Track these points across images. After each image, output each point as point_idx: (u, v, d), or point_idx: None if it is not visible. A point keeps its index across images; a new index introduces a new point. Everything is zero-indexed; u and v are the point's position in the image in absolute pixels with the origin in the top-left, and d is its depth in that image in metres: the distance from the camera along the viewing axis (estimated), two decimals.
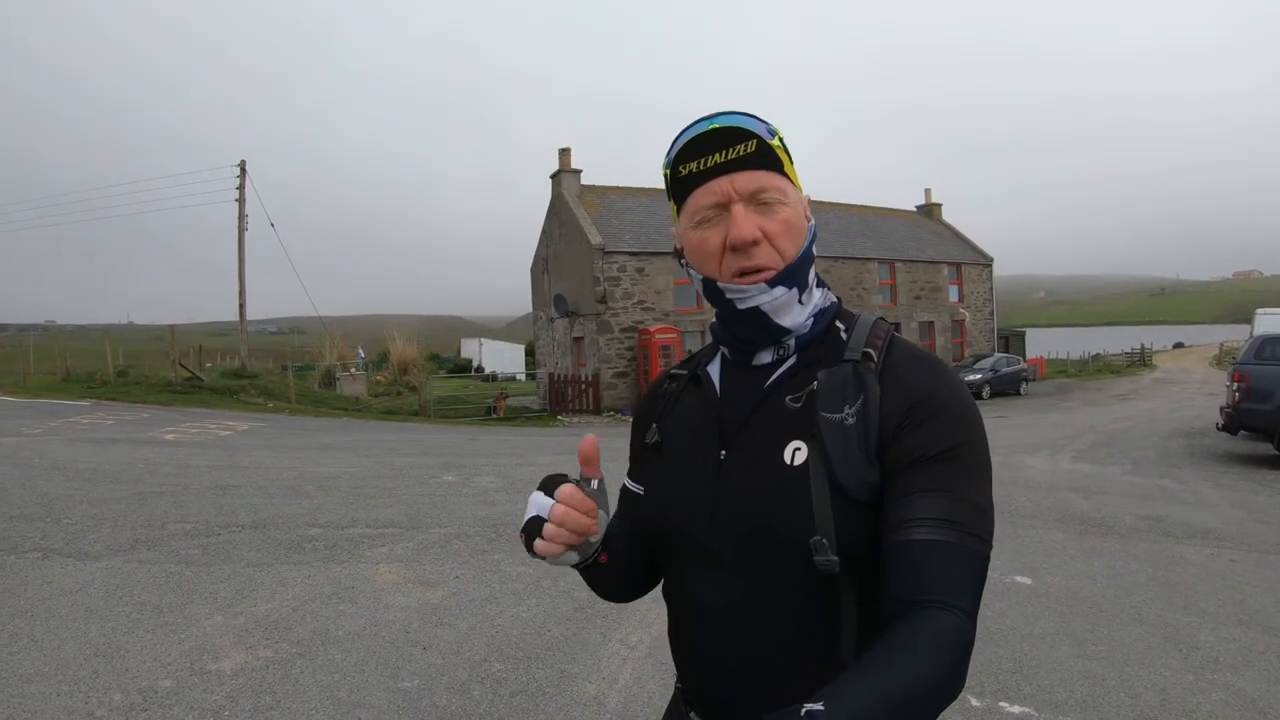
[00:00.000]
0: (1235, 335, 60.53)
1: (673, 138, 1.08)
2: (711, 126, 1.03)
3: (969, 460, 0.95)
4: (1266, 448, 11.75)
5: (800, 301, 1.06)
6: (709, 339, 1.23)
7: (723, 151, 1.02)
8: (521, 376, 42.18)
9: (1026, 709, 3.49)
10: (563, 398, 21.87)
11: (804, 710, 0.74)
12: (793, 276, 1.04)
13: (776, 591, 0.99)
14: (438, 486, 8.79)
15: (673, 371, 1.28)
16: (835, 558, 0.92)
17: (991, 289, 32.82)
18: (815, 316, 1.09)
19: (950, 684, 0.82)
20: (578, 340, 23.93)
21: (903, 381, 0.99)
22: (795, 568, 0.96)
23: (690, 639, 1.09)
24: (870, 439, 0.96)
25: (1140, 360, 46.53)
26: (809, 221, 1.09)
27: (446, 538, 6.38)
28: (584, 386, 21.91)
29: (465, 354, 59.75)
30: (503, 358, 53.45)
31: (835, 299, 1.15)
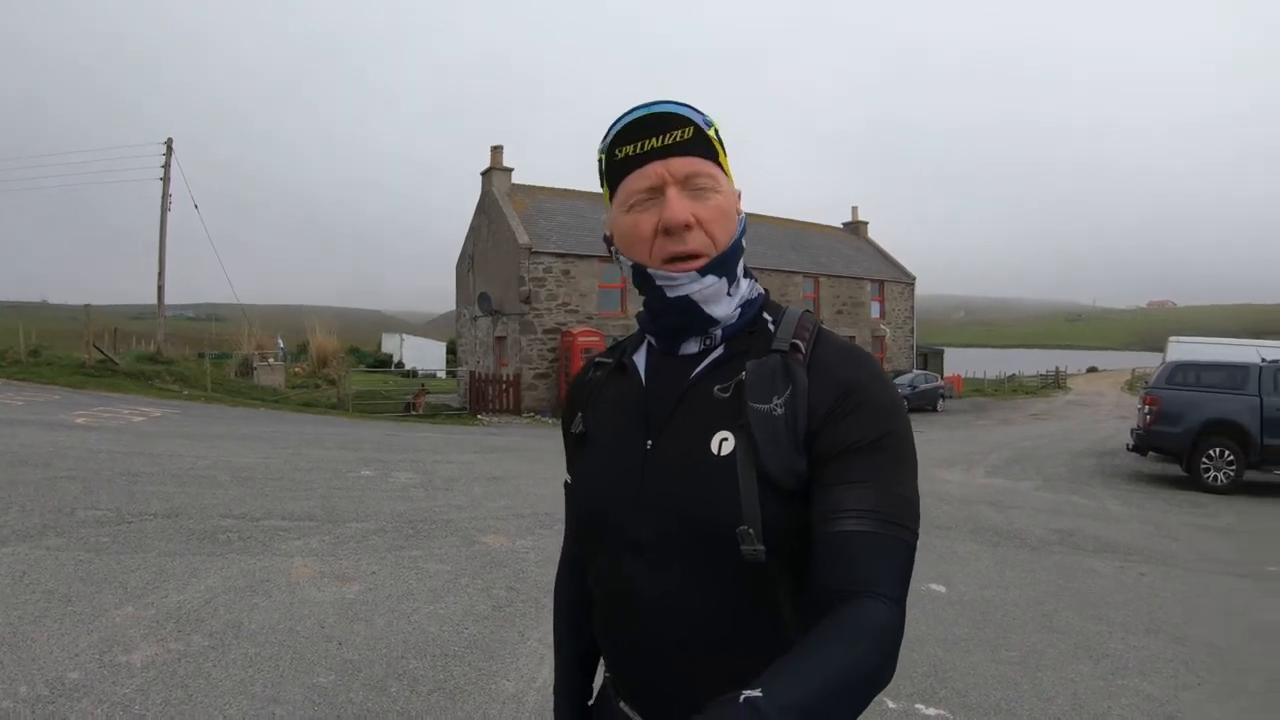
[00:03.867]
0: (1147, 362, 63.12)
1: (609, 123, 1.07)
2: (649, 112, 1.03)
3: (896, 450, 0.96)
4: (1175, 469, 12.29)
5: (729, 293, 1.06)
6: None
7: (659, 136, 1.02)
8: (442, 374, 41.43)
9: (942, 711, 3.57)
10: (483, 397, 21.61)
11: (743, 697, 0.74)
12: (723, 266, 1.04)
13: (706, 581, 0.98)
14: (355, 481, 8.60)
15: (598, 359, 1.26)
16: (761, 547, 0.92)
17: (913, 307, 33.50)
18: (742, 307, 1.09)
19: (882, 672, 0.84)
20: (500, 339, 23.69)
21: (831, 373, 0.99)
22: (724, 557, 0.95)
23: (622, 629, 1.08)
24: (799, 429, 0.96)
25: (1055, 382, 48.20)
26: (740, 214, 1.10)
27: (363, 533, 6.25)
28: (505, 386, 21.72)
29: (386, 349, 58.50)
30: (424, 354, 52.34)
31: (763, 290, 1.15)
